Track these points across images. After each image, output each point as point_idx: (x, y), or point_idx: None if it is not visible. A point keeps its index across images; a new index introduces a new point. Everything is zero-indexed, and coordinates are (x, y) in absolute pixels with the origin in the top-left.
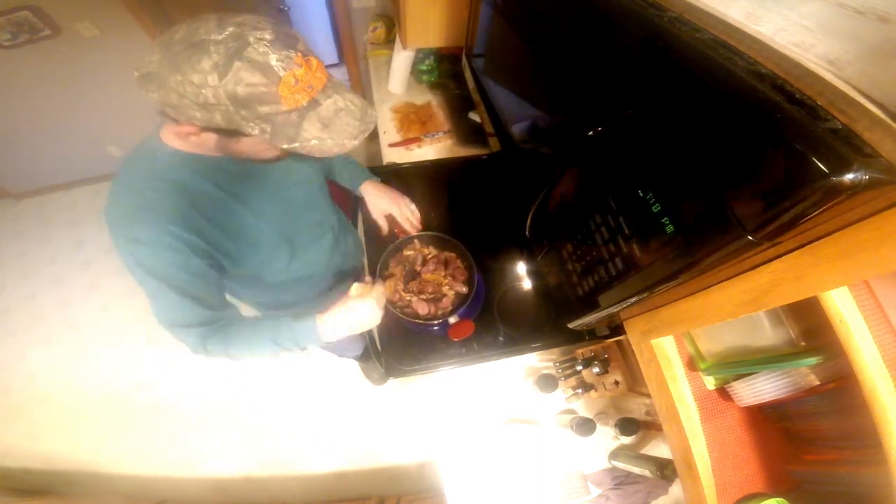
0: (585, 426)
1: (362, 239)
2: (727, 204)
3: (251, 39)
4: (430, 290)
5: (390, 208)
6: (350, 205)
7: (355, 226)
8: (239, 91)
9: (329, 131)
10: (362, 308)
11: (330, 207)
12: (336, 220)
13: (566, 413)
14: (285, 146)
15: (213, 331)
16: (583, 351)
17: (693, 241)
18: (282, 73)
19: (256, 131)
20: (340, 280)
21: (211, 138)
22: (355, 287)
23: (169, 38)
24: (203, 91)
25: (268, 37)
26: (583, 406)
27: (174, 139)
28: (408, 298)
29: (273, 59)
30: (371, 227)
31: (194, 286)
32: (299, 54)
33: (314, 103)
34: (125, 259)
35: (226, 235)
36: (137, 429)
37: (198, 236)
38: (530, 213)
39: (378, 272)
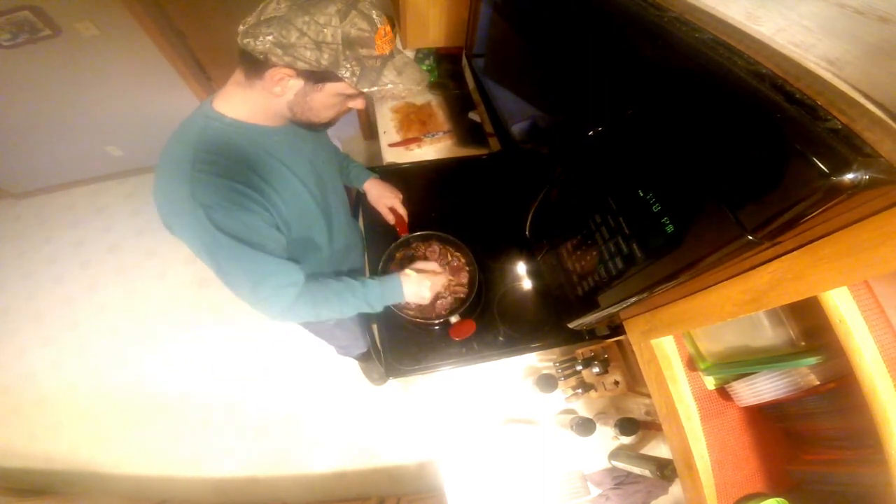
0: (585, 426)
1: (363, 236)
2: (727, 204)
3: None
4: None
5: (393, 202)
6: (351, 202)
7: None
8: (352, 33)
9: (402, 78)
10: (429, 283)
11: (344, 190)
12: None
13: (566, 413)
14: (366, 89)
15: (301, 290)
16: (583, 351)
17: (693, 241)
18: (379, 25)
19: (348, 74)
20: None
21: (295, 87)
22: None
23: None
24: (325, 30)
25: None
26: (583, 406)
27: (234, 105)
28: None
29: (374, 14)
30: (371, 223)
31: (277, 243)
32: (388, 16)
33: (392, 55)
34: (197, 231)
35: (282, 200)
36: (137, 429)
37: (263, 197)
38: (530, 213)
39: (381, 269)
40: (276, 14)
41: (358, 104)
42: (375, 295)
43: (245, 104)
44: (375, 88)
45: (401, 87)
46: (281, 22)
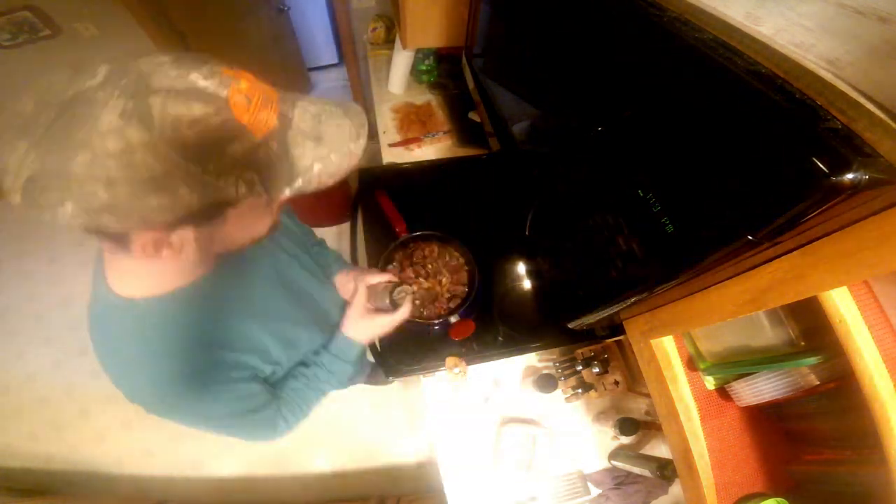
0: (546, 382)
1: (362, 239)
2: (727, 204)
3: (148, 69)
4: (430, 290)
5: (358, 281)
6: (348, 206)
7: (355, 230)
8: (187, 135)
9: (325, 144)
10: (386, 322)
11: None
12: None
13: (531, 373)
14: (287, 190)
15: (279, 404)
16: (583, 351)
17: (693, 240)
18: (223, 92)
19: (242, 189)
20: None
21: (188, 238)
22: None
23: (23, 119)
24: (134, 159)
25: (165, 59)
26: (583, 406)
27: (133, 283)
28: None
29: (199, 79)
30: (371, 224)
31: (256, 397)
32: (224, 67)
33: (285, 120)
34: (189, 424)
35: (251, 346)
36: (137, 429)
37: (231, 356)
38: (530, 213)
39: (380, 269)
40: (28, 173)
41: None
42: (336, 368)
43: (148, 277)
44: (300, 181)
45: (334, 157)
46: (53, 182)
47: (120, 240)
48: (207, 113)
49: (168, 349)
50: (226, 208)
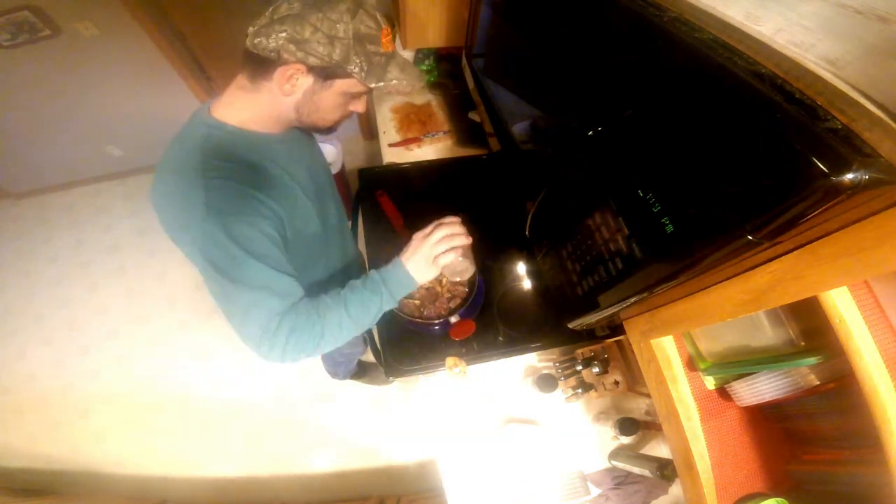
0: (547, 382)
1: (362, 238)
2: (727, 204)
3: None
4: (430, 290)
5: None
6: (348, 206)
7: (356, 224)
8: (361, 29)
9: (405, 74)
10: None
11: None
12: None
13: (532, 373)
14: (374, 84)
15: (289, 307)
16: (583, 351)
17: (693, 240)
18: (384, 24)
19: (357, 69)
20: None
21: (306, 83)
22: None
23: None
24: (338, 25)
25: (372, 0)
26: (583, 406)
27: (235, 111)
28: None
29: (379, 15)
30: (371, 224)
31: (286, 261)
32: (385, 18)
33: (395, 53)
34: (210, 240)
35: (285, 209)
36: (137, 429)
37: (274, 203)
38: (530, 213)
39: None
40: (289, 13)
41: (359, 107)
42: (384, 292)
43: (248, 109)
44: (382, 83)
45: (405, 83)
46: (295, 19)
47: (271, 66)
48: (374, 27)
49: (235, 164)
50: (338, 77)
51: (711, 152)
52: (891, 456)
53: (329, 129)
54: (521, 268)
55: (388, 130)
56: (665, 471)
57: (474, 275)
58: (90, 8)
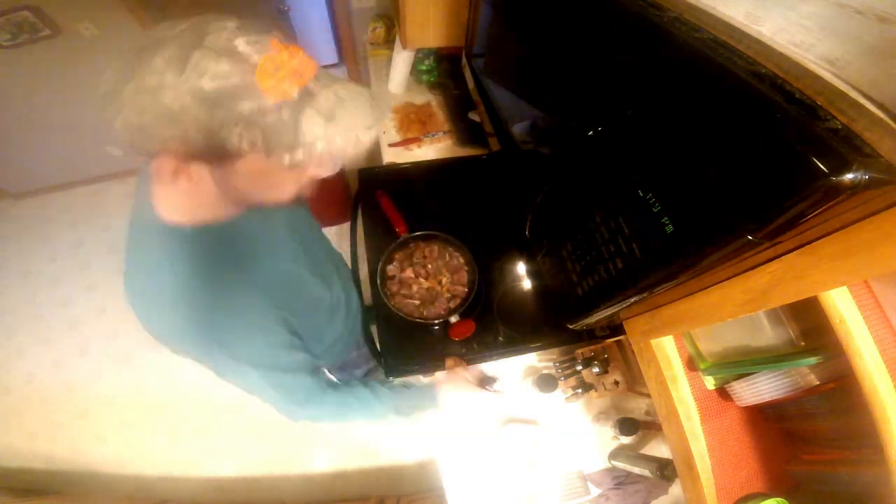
0: (547, 382)
1: (362, 239)
2: (727, 204)
3: (211, 29)
4: (430, 290)
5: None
6: (348, 206)
7: (355, 230)
8: (205, 86)
9: (335, 125)
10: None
11: (334, 253)
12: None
13: (532, 373)
14: (287, 157)
15: (322, 383)
16: (583, 351)
17: (693, 241)
18: (255, 58)
19: (244, 143)
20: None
21: (204, 175)
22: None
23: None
24: (161, 96)
25: (231, 24)
26: (583, 406)
27: (178, 208)
28: (408, 298)
29: (241, 44)
30: (371, 224)
31: (288, 351)
32: (276, 40)
33: (308, 94)
34: (213, 364)
35: (281, 299)
36: (137, 429)
37: (277, 306)
38: (530, 213)
39: (381, 269)
40: (105, 88)
41: (321, 171)
42: (407, 402)
43: (187, 202)
44: (299, 152)
45: (338, 140)
46: (115, 99)
47: (150, 160)
48: (229, 71)
49: (201, 278)
50: (232, 157)
51: (711, 152)
52: (891, 456)
53: (292, 197)
54: (521, 268)
55: (388, 130)
56: (665, 471)
57: (474, 275)
58: (90, 8)
